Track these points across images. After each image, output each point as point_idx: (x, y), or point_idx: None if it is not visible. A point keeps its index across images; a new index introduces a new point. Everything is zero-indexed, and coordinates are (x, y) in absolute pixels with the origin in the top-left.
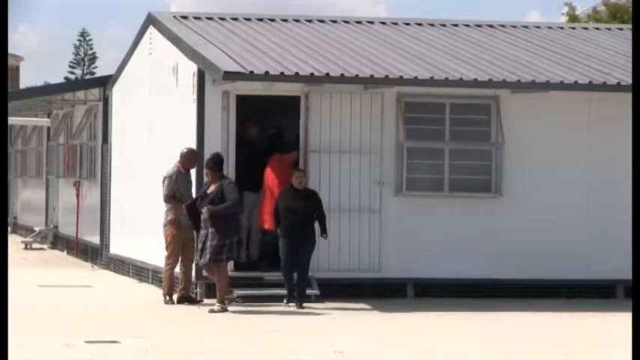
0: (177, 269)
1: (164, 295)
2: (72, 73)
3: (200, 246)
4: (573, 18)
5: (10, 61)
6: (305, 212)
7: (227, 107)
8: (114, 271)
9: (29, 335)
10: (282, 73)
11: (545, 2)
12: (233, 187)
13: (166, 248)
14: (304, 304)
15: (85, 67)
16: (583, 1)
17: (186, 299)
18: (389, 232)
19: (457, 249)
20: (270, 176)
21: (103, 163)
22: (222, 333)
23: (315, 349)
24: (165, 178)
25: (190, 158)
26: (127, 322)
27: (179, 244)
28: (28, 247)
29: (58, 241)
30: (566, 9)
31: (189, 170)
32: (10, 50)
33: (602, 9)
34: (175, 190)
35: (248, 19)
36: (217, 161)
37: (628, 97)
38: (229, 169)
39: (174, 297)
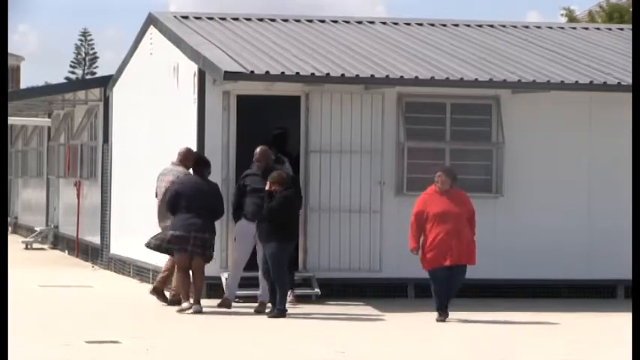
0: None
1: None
2: (73, 73)
3: None
4: (572, 19)
5: (11, 61)
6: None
7: (228, 107)
8: (114, 271)
9: (29, 335)
10: (282, 73)
11: (544, 2)
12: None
13: None
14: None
15: (86, 67)
16: (583, 2)
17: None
18: (389, 233)
19: None
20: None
21: (103, 163)
22: (223, 333)
23: (315, 349)
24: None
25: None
26: (127, 322)
27: None
28: (29, 247)
29: (59, 241)
30: (564, 12)
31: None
32: (10, 50)
33: (597, 10)
34: None
35: (249, 19)
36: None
37: (628, 97)
38: (230, 170)
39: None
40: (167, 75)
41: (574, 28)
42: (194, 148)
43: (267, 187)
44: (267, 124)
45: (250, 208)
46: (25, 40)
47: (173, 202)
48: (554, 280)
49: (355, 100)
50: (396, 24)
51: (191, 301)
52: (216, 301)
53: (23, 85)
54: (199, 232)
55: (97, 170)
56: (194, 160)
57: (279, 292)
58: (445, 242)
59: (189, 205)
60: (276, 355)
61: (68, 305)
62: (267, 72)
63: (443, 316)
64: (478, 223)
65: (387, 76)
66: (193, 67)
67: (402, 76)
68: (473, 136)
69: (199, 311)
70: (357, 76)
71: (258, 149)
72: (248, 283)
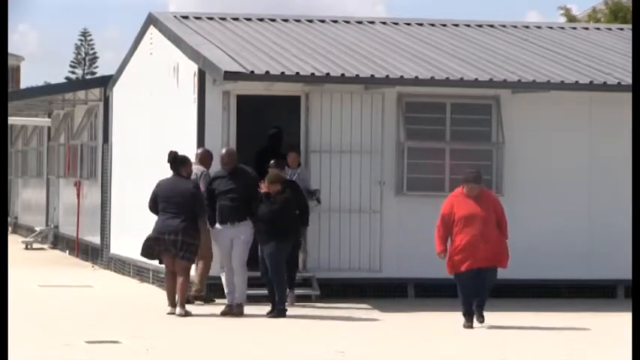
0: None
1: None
2: (73, 72)
3: None
4: (571, 19)
5: (11, 61)
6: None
7: (227, 107)
8: (114, 271)
9: (29, 335)
10: (282, 73)
11: (544, 2)
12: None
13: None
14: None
15: (86, 67)
16: (583, 2)
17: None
18: (389, 233)
19: None
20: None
21: (103, 163)
22: (223, 333)
23: (315, 350)
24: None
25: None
26: (127, 322)
27: None
28: (29, 247)
29: (59, 241)
30: (562, 12)
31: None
32: (10, 50)
33: (601, 9)
34: None
35: (249, 19)
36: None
37: (628, 97)
38: None
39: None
40: (167, 75)
41: (574, 28)
42: (194, 148)
43: (264, 189)
44: (267, 124)
45: (222, 211)
46: (25, 40)
47: (152, 205)
48: (554, 280)
49: (355, 100)
50: (396, 24)
51: (178, 308)
52: (216, 301)
53: (23, 85)
54: (172, 235)
55: (97, 170)
56: (179, 160)
57: (277, 293)
58: (471, 246)
59: (166, 206)
60: (276, 355)
61: (68, 305)
62: (267, 72)
63: (470, 322)
64: None
65: (387, 76)
66: (193, 67)
67: (402, 76)
68: (473, 136)
69: (182, 315)
70: (357, 76)
71: (224, 151)
72: (248, 283)
